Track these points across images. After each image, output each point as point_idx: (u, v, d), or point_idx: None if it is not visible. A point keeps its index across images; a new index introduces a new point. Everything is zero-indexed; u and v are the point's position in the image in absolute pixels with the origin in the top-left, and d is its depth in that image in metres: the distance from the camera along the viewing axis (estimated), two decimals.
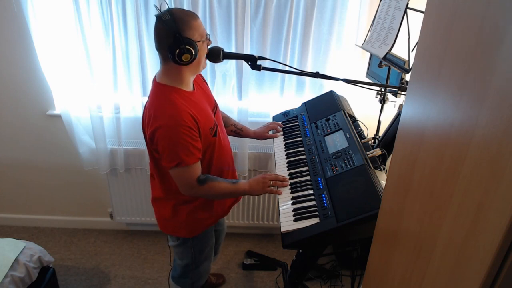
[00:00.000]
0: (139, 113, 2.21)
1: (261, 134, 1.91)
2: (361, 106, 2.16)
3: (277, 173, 1.62)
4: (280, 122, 1.96)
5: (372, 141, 1.72)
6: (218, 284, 2.33)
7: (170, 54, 1.32)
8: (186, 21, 1.32)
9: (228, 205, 1.73)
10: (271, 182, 1.52)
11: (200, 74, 1.66)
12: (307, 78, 2.22)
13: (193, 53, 1.33)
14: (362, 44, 1.79)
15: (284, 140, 1.82)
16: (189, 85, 1.46)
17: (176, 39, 1.30)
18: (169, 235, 1.69)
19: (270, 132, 1.93)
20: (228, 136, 1.73)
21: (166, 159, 1.38)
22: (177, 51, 1.31)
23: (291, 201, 1.43)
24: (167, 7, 1.36)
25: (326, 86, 2.23)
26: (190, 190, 1.45)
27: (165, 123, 1.33)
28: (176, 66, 1.37)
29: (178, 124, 1.33)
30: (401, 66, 1.55)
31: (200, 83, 1.60)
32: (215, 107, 1.62)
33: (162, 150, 1.37)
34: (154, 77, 1.47)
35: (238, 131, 1.87)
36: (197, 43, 1.35)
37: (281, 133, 1.90)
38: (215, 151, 1.53)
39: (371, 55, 1.98)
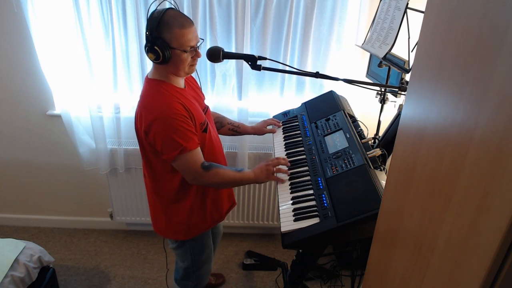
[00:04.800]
0: None
1: (260, 129, 1.92)
2: (361, 106, 2.16)
3: (277, 173, 1.61)
4: (280, 122, 1.96)
5: (372, 141, 1.72)
6: (218, 284, 2.33)
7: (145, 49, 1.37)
8: (169, 25, 1.32)
9: (225, 210, 1.73)
10: (274, 168, 1.53)
11: (193, 78, 1.66)
12: (307, 78, 2.22)
13: (160, 54, 1.33)
14: (362, 44, 1.79)
15: (284, 140, 1.82)
16: (178, 83, 1.47)
17: (146, 36, 1.34)
18: (167, 238, 1.69)
19: (269, 127, 1.93)
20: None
21: (166, 150, 1.37)
22: (146, 48, 1.35)
23: (291, 201, 1.43)
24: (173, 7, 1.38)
25: (326, 86, 2.23)
26: (197, 177, 1.44)
27: (159, 115, 1.35)
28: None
29: (172, 113, 1.34)
30: (401, 66, 1.55)
31: (192, 84, 1.61)
32: (205, 108, 1.62)
33: (161, 142, 1.37)
34: (146, 75, 1.49)
35: (236, 129, 1.88)
36: (173, 49, 1.34)
37: (280, 127, 1.91)
38: (206, 148, 1.53)
39: (371, 55, 1.98)
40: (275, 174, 1.53)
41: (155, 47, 1.32)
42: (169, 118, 1.34)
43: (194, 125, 1.42)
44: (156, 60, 1.35)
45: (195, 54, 1.42)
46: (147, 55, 1.36)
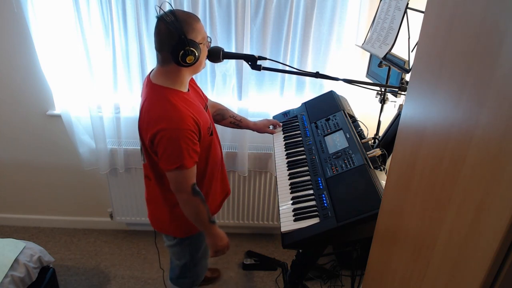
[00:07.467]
0: None
1: (261, 127, 1.91)
2: (361, 106, 2.16)
3: (277, 174, 1.62)
4: (280, 122, 1.96)
5: (372, 141, 1.72)
6: (213, 277, 2.33)
7: (173, 56, 1.32)
8: (189, 23, 1.33)
9: (219, 201, 1.73)
10: (219, 254, 1.60)
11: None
12: (307, 78, 2.22)
13: (197, 55, 1.34)
14: (362, 44, 1.79)
15: (284, 140, 1.82)
16: (185, 86, 1.46)
17: (181, 40, 1.29)
18: (165, 235, 1.68)
19: (270, 128, 1.94)
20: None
21: (165, 161, 1.37)
22: (182, 52, 1.31)
23: (291, 201, 1.43)
24: (167, 8, 1.36)
25: (326, 86, 2.23)
26: (181, 194, 1.44)
27: (168, 126, 1.33)
28: (176, 67, 1.37)
29: (182, 128, 1.33)
30: (401, 66, 1.55)
31: (193, 83, 1.60)
32: (206, 105, 1.62)
33: (162, 152, 1.36)
34: (149, 77, 1.46)
35: (237, 123, 1.87)
36: (199, 45, 1.35)
37: (280, 128, 1.92)
38: (211, 149, 1.53)
39: (371, 55, 1.98)
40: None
41: (192, 49, 1.31)
42: (177, 132, 1.33)
43: (200, 138, 1.41)
44: (193, 61, 1.34)
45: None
46: (184, 60, 1.32)
